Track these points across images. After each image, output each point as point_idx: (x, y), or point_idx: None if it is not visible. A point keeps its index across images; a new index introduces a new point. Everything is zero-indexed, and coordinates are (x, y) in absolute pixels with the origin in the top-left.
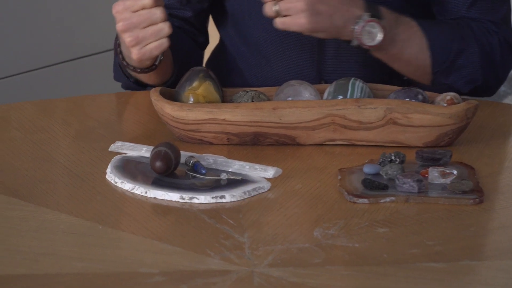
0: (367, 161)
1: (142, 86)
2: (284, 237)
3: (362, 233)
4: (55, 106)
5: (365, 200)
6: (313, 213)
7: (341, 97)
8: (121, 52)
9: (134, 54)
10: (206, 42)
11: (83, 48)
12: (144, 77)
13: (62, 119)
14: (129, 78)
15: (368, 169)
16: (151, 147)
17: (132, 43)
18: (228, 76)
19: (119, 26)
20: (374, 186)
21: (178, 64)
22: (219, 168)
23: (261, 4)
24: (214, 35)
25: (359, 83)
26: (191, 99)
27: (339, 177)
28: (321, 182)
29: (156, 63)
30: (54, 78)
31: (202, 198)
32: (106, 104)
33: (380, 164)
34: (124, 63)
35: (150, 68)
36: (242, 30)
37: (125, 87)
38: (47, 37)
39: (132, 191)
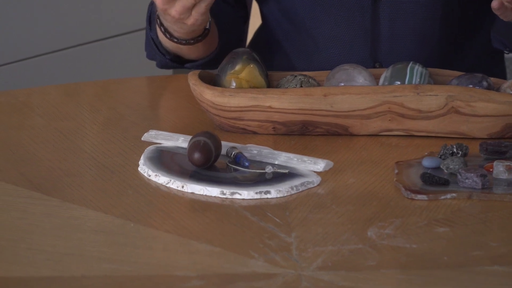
0: (426, 153)
1: (179, 63)
2: (335, 237)
3: (421, 233)
4: (81, 90)
5: (424, 197)
6: (367, 211)
7: (399, 82)
8: (161, 24)
9: (190, 20)
10: (246, 16)
11: (111, 27)
12: (187, 51)
13: (89, 105)
14: (165, 55)
15: (427, 162)
16: (189, 137)
17: (183, 10)
18: (273, 59)
19: None
20: (434, 181)
21: (221, 35)
22: (263, 161)
23: None
24: (256, 15)
25: (418, 68)
26: (233, 84)
27: (396, 171)
28: (376, 177)
29: (208, 26)
30: (81, 60)
31: (245, 194)
32: (138, 88)
33: (440, 157)
34: (167, 36)
35: (198, 37)
36: (286, 6)
37: (161, 65)
38: (72, 16)
39: (167, 185)
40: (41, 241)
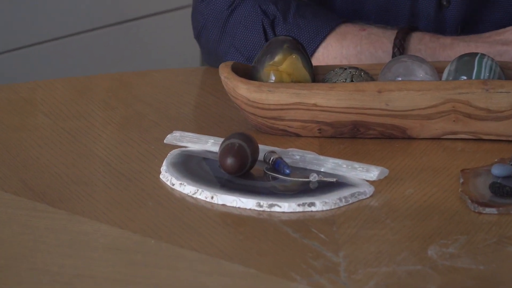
0: (496, 160)
1: None
2: (390, 257)
3: (489, 252)
4: (94, 85)
5: (493, 210)
6: (427, 227)
7: (465, 77)
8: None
9: None
10: None
11: (131, 9)
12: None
13: (103, 101)
14: None
15: (497, 170)
16: (220, 139)
17: None
18: None
19: None
20: (505, 192)
21: None
22: (307, 167)
23: None
24: None
25: (487, 60)
26: (273, 77)
27: (461, 180)
28: (438, 187)
29: None
30: (94, 48)
31: (286, 206)
32: (160, 82)
33: None
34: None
35: None
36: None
37: None
38: None
39: (194, 196)
40: (47, 260)
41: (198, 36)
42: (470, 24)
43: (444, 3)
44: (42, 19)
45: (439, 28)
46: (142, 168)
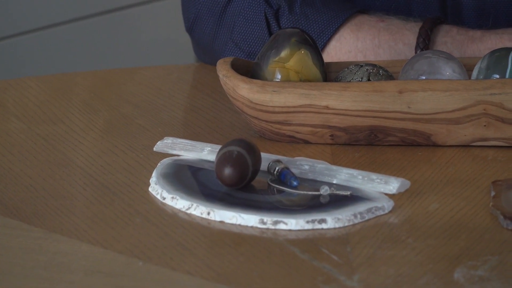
0: None
1: None
2: (412, 281)
3: None
4: (74, 83)
5: None
6: (453, 246)
7: (497, 76)
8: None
9: None
10: None
11: None
12: None
13: (84, 103)
14: None
15: None
16: (218, 147)
17: None
18: None
19: None
20: None
21: None
22: (318, 179)
23: None
24: None
25: None
26: (279, 76)
27: (493, 193)
28: (467, 201)
29: None
30: (73, 41)
31: (293, 223)
32: (149, 81)
33: None
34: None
35: None
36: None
37: None
38: None
39: (188, 212)
40: (21, 283)
41: (190, 28)
42: (491, 9)
43: None
44: (13, 8)
45: (455, 11)
46: (129, 180)
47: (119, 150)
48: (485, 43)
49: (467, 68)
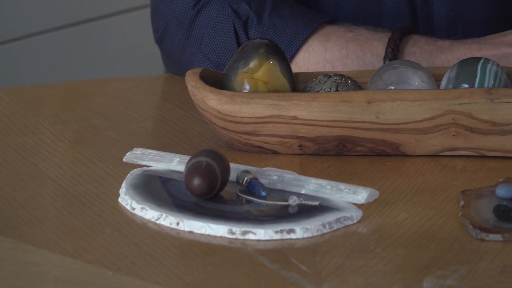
0: (501, 179)
1: None
2: None
3: (493, 284)
4: (44, 95)
5: (498, 237)
6: (423, 255)
7: (466, 85)
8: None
9: None
10: None
11: (83, 11)
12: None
13: (54, 114)
14: None
15: (503, 191)
16: (187, 157)
17: None
18: None
19: None
20: None
21: None
22: (286, 189)
23: None
24: None
25: (492, 66)
26: (247, 86)
27: (462, 203)
28: (436, 211)
29: None
30: (43, 52)
31: (261, 233)
32: (119, 93)
33: None
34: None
35: None
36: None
37: None
38: None
39: (158, 222)
40: None
41: (159, 39)
42: (464, 23)
43: None
44: None
45: (426, 23)
46: (99, 190)
47: (89, 161)
48: (454, 53)
49: (435, 78)
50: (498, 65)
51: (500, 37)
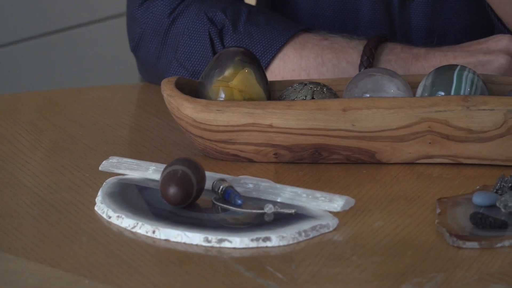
0: (478, 187)
1: None
2: None
3: None
4: (20, 104)
5: (474, 244)
6: (399, 263)
7: (443, 93)
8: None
9: None
10: None
11: (59, 19)
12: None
13: (30, 123)
14: None
15: (479, 199)
16: (163, 166)
17: None
18: None
19: None
20: (488, 223)
21: None
22: (262, 197)
23: None
24: None
25: (468, 73)
26: (222, 95)
27: (438, 210)
28: (412, 218)
29: None
30: (18, 61)
31: (237, 241)
32: (95, 101)
33: (496, 192)
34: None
35: None
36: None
37: None
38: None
39: (134, 230)
40: None
41: (135, 48)
42: (440, 31)
43: None
44: None
45: (403, 32)
46: (75, 199)
47: (65, 170)
48: (430, 60)
49: (411, 85)
50: (474, 73)
51: (476, 44)
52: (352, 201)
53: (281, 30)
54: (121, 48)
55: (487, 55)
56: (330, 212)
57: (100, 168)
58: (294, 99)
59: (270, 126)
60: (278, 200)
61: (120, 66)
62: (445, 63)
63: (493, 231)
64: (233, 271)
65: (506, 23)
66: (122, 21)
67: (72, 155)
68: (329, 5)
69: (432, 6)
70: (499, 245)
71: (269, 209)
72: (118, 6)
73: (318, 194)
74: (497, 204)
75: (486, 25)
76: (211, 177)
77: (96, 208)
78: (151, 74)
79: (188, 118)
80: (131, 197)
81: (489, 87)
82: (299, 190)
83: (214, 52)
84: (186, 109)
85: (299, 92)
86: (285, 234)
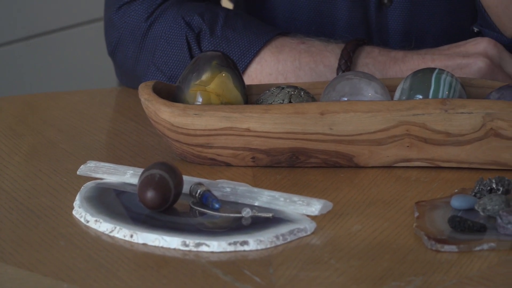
0: (456, 190)
1: None
2: None
3: None
4: None
5: (453, 248)
6: (377, 267)
7: (421, 96)
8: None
9: None
10: None
11: (37, 24)
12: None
13: (8, 128)
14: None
15: (458, 202)
16: (140, 170)
17: None
18: None
19: None
20: (467, 227)
21: None
22: (239, 201)
23: None
24: None
25: (446, 76)
26: (200, 99)
27: (416, 214)
28: (390, 222)
29: None
30: None
31: (215, 245)
32: (73, 106)
33: (475, 195)
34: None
35: None
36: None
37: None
38: None
39: (112, 234)
40: None
41: (112, 52)
42: (418, 34)
43: (385, 1)
44: None
45: (380, 35)
46: (53, 203)
47: (43, 174)
48: (407, 63)
49: (389, 89)
50: (452, 76)
51: (454, 48)
52: (330, 205)
53: (258, 34)
54: (98, 53)
55: (465, 58)
56: (308, 216)
57: (78, 173)
58: (271, 103)
59: (248, 130)
60: (256, 204)
61: (98, 71)
62: (423, 66)
63: (472, 235)
64: (210, 275)
65: (491, 14)
66: (100, 26)
67: (50, 160)
68: (305, 9)
69: (410, 10)
70: (477, 248)
71: (246, 213)
72: (95, 11)
73: (295, 198)
74: (476, 208)
75: (465, 28)
76: (188, 181)
77: (74, 212)
78: (129, 79)
79: (166, 122)
80: (109, 201)
81: (467, 90)
82: (276, 194)
83: (192, 56)
84: (164, 113)
85: (276, 96)
86: (263, 238)
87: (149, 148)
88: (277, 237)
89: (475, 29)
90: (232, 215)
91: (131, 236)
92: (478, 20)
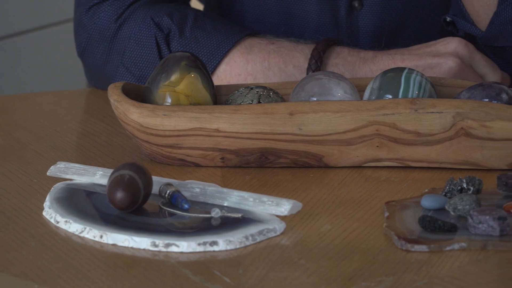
0: (426, 190)
1: None
2: None
3: None
4: None
5: (423, 247)
6: (347, 267)
7: (390, 96)
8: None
9: None
10: None
11: (4, 26)
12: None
13: None
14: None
15: (428, 202)
16: (110, 170)
17: None
18: None
19: None
20: (437, 226)
21: None
22: (209, 202)
23: None
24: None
25: (416, 76)
26: (169, 100)
27: (386, 214)
28: (360, 222)
29: None
30: None
31: (184, 246)
32: (42, 107)
33: (445, 195)
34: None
35: None
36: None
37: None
38: None
39: (81, 235)
40: None
41: (82, 53)
42: (389, 35)
43: (356, 5)
44: None
45: (351, 38)
46: (23, 204)
47: (13, 175)
48: (377, 64)
49: (359, 89)
50: (422, 75)
51: (424, 47)
52: (299, 205)
53: (228, 34)
54: (68, 54)
55: (436, 57)
56: (277, 216)
57: (48, 173)
58: (240, 103)
59: (217, 130)
60: (225, 204)
61: (67, 72)
62: (393, 66)
63: (442, 234)
64: (180, 275)
65: (465, 2)
66: (68, 27)
67: (20, 161)
68: (275, 11)
69: (381, 13)
70: (448, 248)
71: (216, 213)
72: (64, 12)
73: (265, 198)
74: (446, 207)
75: (436, 30)
76: (158, 181)
77: (44, 213)
78: (98, 80)
79: (135, 123)
80: (79, 202)
81: (438, 90)
82: (246, 194)
83: (161, 57)
84: (133, 114)
85: (245, 96)
86: (232, 239)
87: (118, 148)
88: (246, 238)
89: (448, 18)
90: (201, 215)
91: (101, 236)
92: (451, 9)
